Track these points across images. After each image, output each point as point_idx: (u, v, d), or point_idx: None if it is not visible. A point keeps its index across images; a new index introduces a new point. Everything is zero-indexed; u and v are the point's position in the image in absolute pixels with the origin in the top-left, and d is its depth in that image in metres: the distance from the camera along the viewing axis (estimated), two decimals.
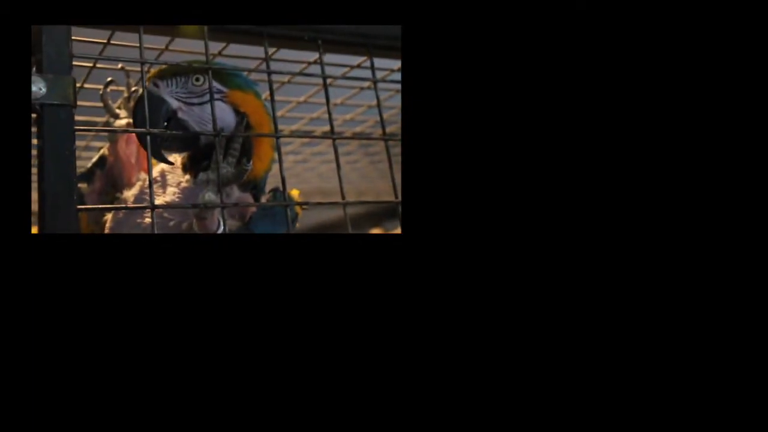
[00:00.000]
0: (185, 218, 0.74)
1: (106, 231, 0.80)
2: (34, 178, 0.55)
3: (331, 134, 0.69)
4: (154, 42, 0.84)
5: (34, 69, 0.54)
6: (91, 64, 0.92)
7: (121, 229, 0.78)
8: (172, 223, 0.75)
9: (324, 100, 0.74)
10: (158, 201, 0.77)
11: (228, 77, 0.78)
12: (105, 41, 0.84)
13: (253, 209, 0.80)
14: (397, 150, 0.73)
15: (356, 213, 2.42)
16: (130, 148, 0.84)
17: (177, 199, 0.77)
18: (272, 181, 0.82)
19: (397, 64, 0.95)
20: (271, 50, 0.69)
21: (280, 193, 0.78)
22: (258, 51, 0.70)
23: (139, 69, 0.63)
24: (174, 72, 0.76)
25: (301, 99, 1.27)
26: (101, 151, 0.86)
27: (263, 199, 0.81)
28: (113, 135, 0.84)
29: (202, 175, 0.74)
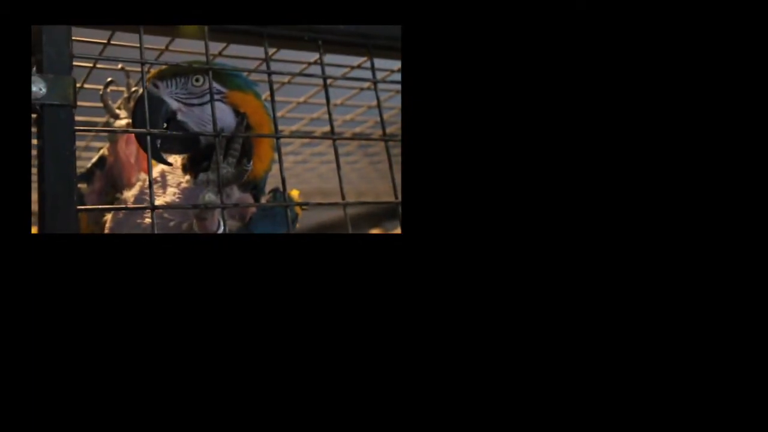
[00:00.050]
0: (185, 219, 0.74)
1: (106, 231, 0.80)
2: (34, 178, 0.55)
3: (331, 135, 0.69)
4: (154, 42, 0.84)
5: (34, 69, 0.54)
6: (91, 65, 0.92)
7: (121, 229, 0.78)
8: (172, 224, 0.75)
9: (324, 101, 0.74)
10: (158, 201, 0.77)
11: (228, 78, 0.78)
12: (105, 41, 0.84)
13: (254, 210, 0.80)
14: (396, 150, 0.73)
15: (356, 213, 2.42)
16: (130, 149, 0.84)
17: (177, 200, 0.77)
18: (272, 182, 0.82)
19: (397, 64, 0.95)
20: (271, 51, 0.69)
21: (280, 194, 0.78)
22: (258, 51, 0.70)
23: (139, 69, 0.63)
24: (174, 73, 0.76)
25: (301, 99, 1.27)
26: (101, 152, 0.86)
27: (263, 200, 0.81)
28: (113, 135, 0.83)
29: (202, 176, 0.74)
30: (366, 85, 1.21)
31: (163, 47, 0.90)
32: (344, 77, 0.97)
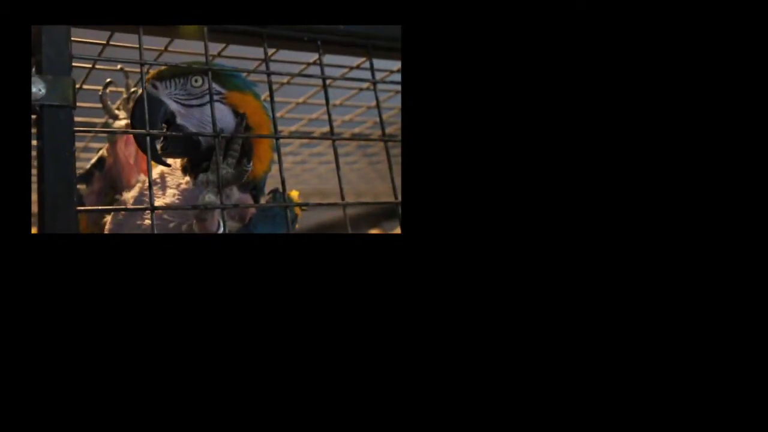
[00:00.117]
0: (185, 220, 0.74)
1: (106, 233, 0.80)
2: (34, 179, 0.55)
3: (330, 135, 0.69)
4: (154, 43, 0.84)
5: (33, 70, 0.54)
6: (90, 65, 0.92)
7: (120, 230, 0.78)
8: (172, 225, 0.74)
9: (322, 101, 0.74)
10: (158, 203, 0.77)
11: (226, 78, 0.78)
12: (104, 42, 0.84)
13: (253, 211, 0.80)
14: (396, 151, 0.73)
15: (355, 214, 2.42)
16: (129, 150, 0.84)
17: (177, 201, 0.77)
18: (272, 183, 0.82)
19: (396, 64, 0.95)
20: (270, 51, 0.69)
21: (279, 195, 0.78)
22: (257, 52, 0.70)
23: (138, 70, 0.63)
24: (172, 74, 0.76)
25: (300, 100, 1.27)
26: (100, 152, 0.86)
27: (262, 201, 0.81)
28: (112, 136, 0.83)
29: (201, 176, 0.74)
30: (365, 85, 1.21)
31: (163, 48, 0.90)
32: (343, 77, 0.97)
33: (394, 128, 1.39)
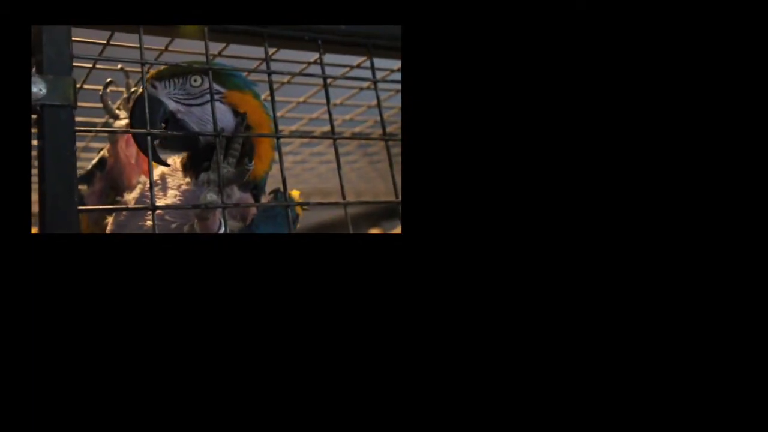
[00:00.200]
0: (187, 220, 0.74)
1: (107, 233, 0.80)
2: (35, 179, 0.55)
3: (331, 134, 0.69)
4: (154, 43, 0.84)
5: (34, 70, 0.54)
6: (90, 65, 0.92)
7: (122, 231, 0.78)
8: (174, 225, 0.75)
9: (323, 101, 0.74)
10: (159, 203, 0.77)
11: (226, 78, 0.78)
12: (105, 42, 0.84)
13: (255, 211, 0.80)
14: (396, 150, 0.73)
15: (355, 213, 2.42)
16: (130, 150, 0.84)
17: (178, 201, 0.77)
18: (272, 182, 0.82)
19: (396, 64, 0.95)
20: (270, 50, 0.69)
21: (281, 194, 0.78)
22: (257, 51, 0.70)
23: (138, 70, 0.63)
24: (172, 73, 0.76)
25: (301, 99, 1.27)
26: (101, 153, 0.86)
27: (263, 200, 0.81)
28: (113, 136, 0.83)
29: (202, 176, 0.74)
30: (366, 84, 1.21)
31: (163, 48, 0.90)
32: (344, 77, 0.97)
33: (395, 127, 1.39)
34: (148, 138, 0.63)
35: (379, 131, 0.72)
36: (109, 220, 0.80)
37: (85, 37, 0.80)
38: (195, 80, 0.76)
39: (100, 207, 0.82)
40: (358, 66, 0.98)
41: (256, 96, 0.80)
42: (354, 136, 1.54)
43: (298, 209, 0.83)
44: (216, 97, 0.76)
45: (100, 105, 0.85)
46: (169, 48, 0.89)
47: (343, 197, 0.67)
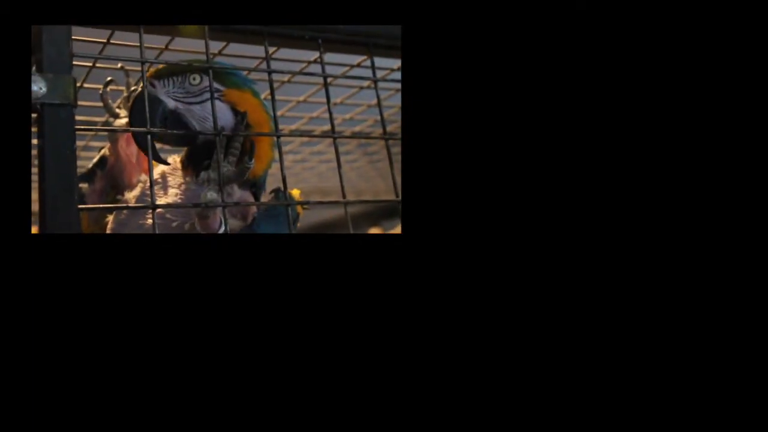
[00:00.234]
0: (188, 218, 0.74)
1: (108, 232, 0.80)
2: (35, 178, 0.55)
3: (331, 133, 0.69)
4: (154, 41, 0.84)
5: (34, 68, 0.54)
6: (90, 64, 0.92)
7: (123, 230, 0.78)
8: (174, 224, 0.75)
9: (323, 100, 0.74)
10: (160, 202, 0.77)
11: (225, 76, 0.78)
12: (105, 41, 0.84)
13: (254, 209, 0.80)
14: (396, 149, 0.73)
15: (354, 212, 2.42)
16: (131, 149, 0.84)
17: (179, 200, 0.77)
18: (273, 181, 0.82)
19: (396, 63, 0.95)
20: (271, 49, 0.69)
21: (282, 194, 0.78)
22: (257, 50, 0.70)
23: (138, 68, 0.63)
24: (170, 72, 0.76)
25: (301, 98, 1.27)
26: (102, 152, 0.86)
27: (264, 199, 0.81)
28: (113, 135, 0.83)
29: (203, 174, 0.74)
30: (366, 83, 1.21)
31: (163, 46, 0.90)
32: (344, 76, 0.97)
33: (395, 126, 1.39)
34: (149, 137, 0.63)
35: (379, 130, 0.72)
36: (110, 218, 0.80)
37: (85, 36, 0.80)
38: (194, 78, 0.76)
39: (100, 206, 0.82)
40: (359, 65, 0.98)
41: (255, 94, 0.80)
42: (354, 135, 1.54)
43: (299, 208, 0.83)
44: (215, 95, 0.76)
45: (101, 104, 0.85)
46: (170, 47, 0.89)
47: (344, 196, 0.67)
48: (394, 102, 1.34)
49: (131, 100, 0.84)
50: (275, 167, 0.69)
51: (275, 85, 0.69)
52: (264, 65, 0.68)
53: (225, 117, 0.77)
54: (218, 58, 0.89)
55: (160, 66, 0.76)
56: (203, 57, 0.66)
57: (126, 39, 0.81)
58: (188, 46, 0.89)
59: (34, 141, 0.54)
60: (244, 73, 0.83)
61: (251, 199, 0.80)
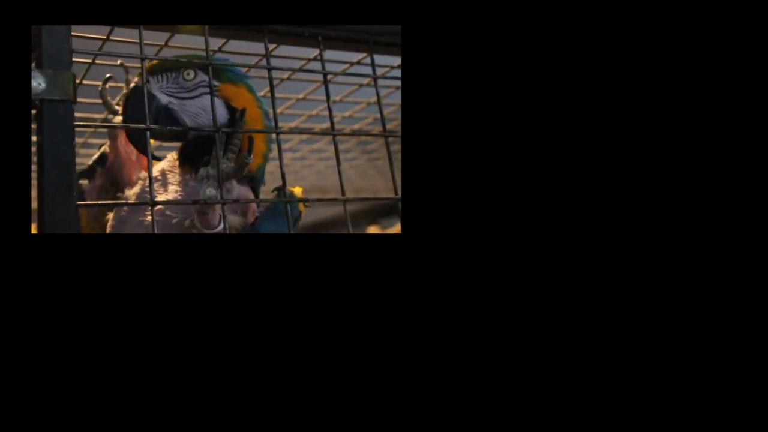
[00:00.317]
0: (187, 215, 0.74)
1: (109, 229, 0.80)
2: (34, 175, 0.54)
3: (331, 131, 0.69)
4: (154, 38, 0.84)
5: (33, 64, 0.54)
6: (90, 60, 0.91)
7: (123, 227, 0.78)
8: (174, 221, 0.75)
9: (322, 97, 0.74)
10: (160, 199, 0.77)
11: (219, 71, 0.78)
12: (104, 37, 0.83)
13: (254, 207, 0.80)
14: (396, 147, 0.73)
15: (353, 210, 2.42)
16: (131, 146, 0.83)
17: (179, 197, 0.77)
18: (273, 180, 0.82)
19: (396, 60, 0.95)
20: (271, 46, 0.68)
21: (284, 192, 0.78)
22: (257, 47, 0.69)
23: (138, 65, 0.63)
24: (165, 67, 0.76)
25: (300, 96, 1.27)
26: (102, 149, 0.86)
27: (262, 196, 0.81)
28: (113, 132, 0.83)
29: (202, 171, 0.74)
30: (365, 81, 1.21)
31: (163, 43, 0.89)
32: (344, 73, 0.97)
33: (394, 124, 1.39)
34: (147, 133, 0.63)
35: (379, 128, 0.72)
36: (110, 216, 0.80)
37: (84, 32, 0.80)
38: (188, 74, 0.76)
39: (99, 202, 0.82)
40: (358, 62, 0.98)
41: (250, 89, 0.80)
42: (353, 133, 1.54)
43: (301, 207, 0.83)
44: (209, 90, 0.76)
45: (100, 101, 0.85)
46: (169, 43, 0.89)
47: (343, 194, 0.67)
48: (393, 99, 1.34)
49: (124, 97, 0.84)
50: (274, 165, 0.69)
51: (275, 82, 0.69)
52: (264, 62, 0.68)
53: (220, 112, 0.77)
54: (217, 55, 0.89)
55: (155, 62, 0.76)
56: (203, 53, 0.66)
57: (125, 35, 0.81)
58: (188, 42, 0.89)
59: (33, 138, 0.54)
60: (244, 70, 0.83)
61: (250, 194, 0.80)
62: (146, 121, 0.61)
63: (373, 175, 2.12)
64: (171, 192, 0.78)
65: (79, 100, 0.55)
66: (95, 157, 0.85)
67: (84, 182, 0.82)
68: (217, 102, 0.77)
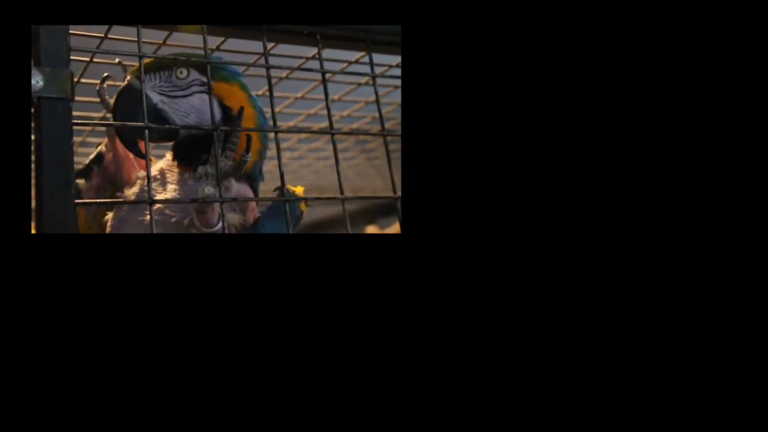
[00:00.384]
0: (186, 213, 0.74)
1: (108, 229, 0.80)
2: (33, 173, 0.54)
3: (330, 129, 0.69)
4: (152, 36, 0.84)
5: (31, 62, 0.54)
6: (87, 58, 0.91)
7: (122, 227, 0.78)
8: (174, 219, 0.75)
9: (321, 96, 0.73)
10: (159, 198, 0.76)
11: (213, 69, 0.77)
12: (102, 35, 0.83)
13: (260, 209, 0.80)
14: (394, 146, 0.73)
15: (352, 210, 2.42)
16: None
17: (177, 196, 0.77)
18: (271, 179, 0.82)
19: (395, 59, 0.95)
20: (269, 45, 0.68)
21: (286, 191, 0.78)
22: (256, 46, 0.69)
23: (136, 63, 0.63)
24: (158, 66, 0.76)
25: (299, 95, 1.27)
26: (99, 148, 0.85)
27: (262, 195, 0.81)
28: (110, 131, 0.83)
29: (200, 169, 0.74)
30: (364, 80, 1.21)
31: (161, 41, 0.89)
32: (342, 72, 0.97)
33: (393, 123, 1.39)
34: (146, 132, 0.63)
35: (377, 127, 0.72)
36: (110, 215, 0.80)
37: (82, 31, 0.80)
38: (180, 72, 0.76)
39: (97, 200, 0.82)
40: (357, 61, 0.97)
41: (243, 87, 0.80)
42: (352, 132, 1.54)
43: (302, 206, 0.82)
44: (202, 88, 0.76)
45: (98, 100, 0.84)
46: (167, 41, 0.89)
47: (342, 193, 0.67)
48: (392, 98, 1.34)
49: (115, 96, 0.84)
50: (272, 164, 0.69)
51: (273, 80, 0.69)
52: (262, 61, 0.68)
53: (214, 111, 0.76)
54: (215, 53, 0.88)
55: (148, 60, 0.76)
56: (197, 52, 0.65)
57: (123, 33, 0.81)
58: (186, 41, 0.88)
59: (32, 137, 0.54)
60: (242, 69, 0.83)
61: (249, 192, 0.80)
62: (136, 120, 0.61)
63: (372, 174, 2.12)
64: (170, 191, 0.78)
65: (77, 98, 0.55)
66: (92, 156, 0.85)
67: (81, 182, 0.82)
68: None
